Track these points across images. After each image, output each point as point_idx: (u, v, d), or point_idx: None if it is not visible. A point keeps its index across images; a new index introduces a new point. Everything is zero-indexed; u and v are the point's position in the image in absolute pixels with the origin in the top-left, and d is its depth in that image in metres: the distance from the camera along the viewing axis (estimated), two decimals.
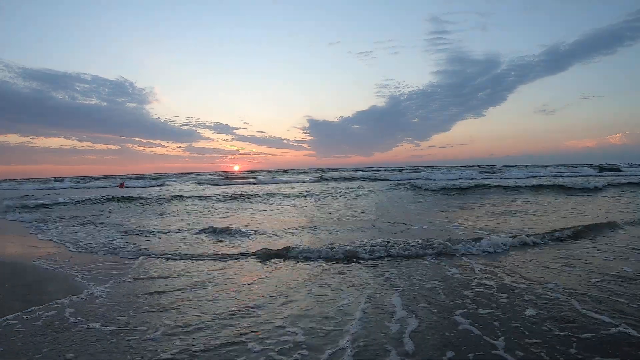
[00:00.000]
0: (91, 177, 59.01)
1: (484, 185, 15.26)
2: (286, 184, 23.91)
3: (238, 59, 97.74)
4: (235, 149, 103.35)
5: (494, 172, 29.19)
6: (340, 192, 14.93)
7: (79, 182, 37.06)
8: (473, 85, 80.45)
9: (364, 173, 35.12)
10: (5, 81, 64.55)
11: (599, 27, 71.58)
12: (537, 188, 13.97)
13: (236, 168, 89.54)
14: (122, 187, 26.10)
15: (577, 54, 72.66)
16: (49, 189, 27.94)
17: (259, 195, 14.18)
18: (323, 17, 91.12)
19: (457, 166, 67.16)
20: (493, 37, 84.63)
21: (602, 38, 66.98)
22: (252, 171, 76.65)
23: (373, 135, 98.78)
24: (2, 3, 72.36)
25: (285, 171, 61.49)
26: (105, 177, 53.19)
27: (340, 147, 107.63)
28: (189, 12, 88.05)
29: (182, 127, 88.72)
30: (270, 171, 67.20)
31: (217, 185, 25.84)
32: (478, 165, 61.43)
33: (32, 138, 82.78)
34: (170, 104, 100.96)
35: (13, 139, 78.68)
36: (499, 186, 14.82)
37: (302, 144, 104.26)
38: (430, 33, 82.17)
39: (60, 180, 41.08)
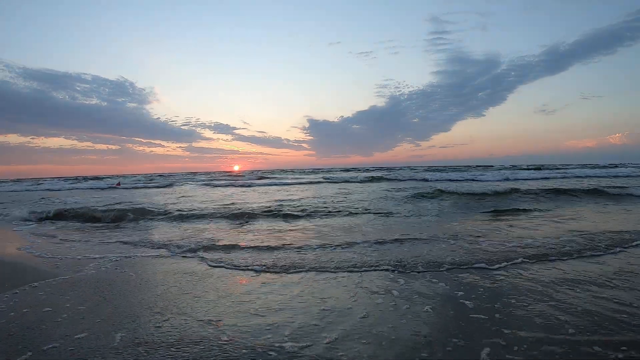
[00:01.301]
0: (86, 177, 57.52)
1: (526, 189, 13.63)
2: (302, 185, 22.24)
3: (238, 59, 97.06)
4: (235, 149, 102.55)
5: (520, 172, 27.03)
6: (381, 194, 12.95)
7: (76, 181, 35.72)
8: (473, 85, 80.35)
9: (387, 173, 33.77)
10: (5, 81, 63.37)
11: (599, 27, 71.71)
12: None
13: (236, 168, 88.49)
14: (118, 186, 27.02)
15: (577, 54, 72.74)
16: (37, 189, 26.56)
17: (296, 206, 12.74)
18: (323, 17, 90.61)
19: (465, 165, 66.21)
20: (493, 37, 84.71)
21: (602, 38, 66.96)
22: (255, 170, 75.36)
23: (373, 135, 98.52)
24: (2, 3, 71.13)
25: (286, 171, 60.20)
26: (103, 178, 51.87)
27: (340, 147, 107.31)
28: (189, 12, 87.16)
29: (182, 127, 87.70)
30: (272, 171, 66.03)
31: (230, 186, 24.48)
32: (488, 165, 60.42)
33: (32, 138, 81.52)
34: (170, 104, 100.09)
35: (13, 139, 77.41)
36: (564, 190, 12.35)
37: (302, 144, 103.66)
38: (430, 33, 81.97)
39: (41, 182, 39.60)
